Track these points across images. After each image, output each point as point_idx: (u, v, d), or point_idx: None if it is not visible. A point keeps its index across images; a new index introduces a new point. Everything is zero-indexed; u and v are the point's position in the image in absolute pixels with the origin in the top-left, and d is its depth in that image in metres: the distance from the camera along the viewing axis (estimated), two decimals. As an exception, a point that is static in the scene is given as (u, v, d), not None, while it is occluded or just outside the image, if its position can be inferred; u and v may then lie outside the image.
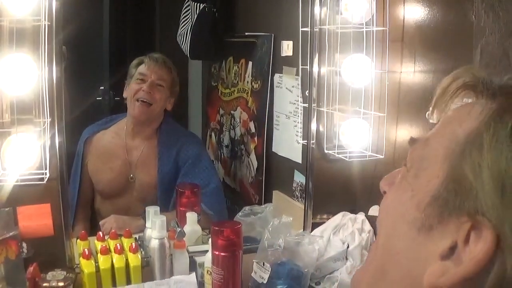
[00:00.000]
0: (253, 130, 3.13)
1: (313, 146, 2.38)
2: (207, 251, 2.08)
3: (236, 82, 3.34)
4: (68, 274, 1.94)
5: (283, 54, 2.76)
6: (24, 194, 1.94)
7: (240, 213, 2.49)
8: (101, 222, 2.61)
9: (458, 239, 0.66)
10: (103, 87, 3.56)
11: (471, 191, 0.65)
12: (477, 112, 0.70)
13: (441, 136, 0.74)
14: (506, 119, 0.66)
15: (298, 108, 2.62)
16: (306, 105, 2.38)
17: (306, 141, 2.40)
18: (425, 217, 0.70)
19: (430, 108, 0.80)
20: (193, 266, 2.13)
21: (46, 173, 1.91)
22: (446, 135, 0.72)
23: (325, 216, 2.41)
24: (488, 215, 0.63)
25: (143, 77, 2.79)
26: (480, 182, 0.64)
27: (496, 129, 0.66)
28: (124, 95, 2.83)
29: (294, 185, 2.69)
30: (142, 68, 2.81)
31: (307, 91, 2.37)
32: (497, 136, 0.65)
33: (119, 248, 2.05)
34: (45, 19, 1.83)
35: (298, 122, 2.63)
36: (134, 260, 2.04)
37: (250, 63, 3.18)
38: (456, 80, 0.77)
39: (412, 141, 0.79)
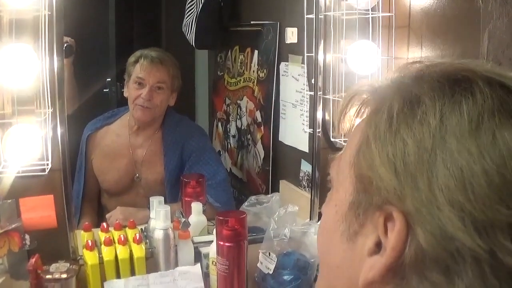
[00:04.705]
0: (259, 119, 3.10)
1: (319, 134, 2.35)
2: (212, 241, 2.06)
3: (242, 71, 3.32)
4: (71, 266, 1.92)
5: (288, 41, 2.72)
6: (26, 186, 1.93)
7: (246, 203, 2.47)
8: (107, 215, 2.59)
9: (379, 234, 0.70)
10: (109, 79, 3.54)
11: (372, 185, 0.70)
12: (363, 120, 0.77)
13: (347, 149, 0.79)
14: (381, 110, 0.72)
15: (304, 97, 2.59)
16: (312, 93, 2.35)
17: (312, 129, 2.37)
18: (348, 224, 0.75)
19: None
20: (198, 256, 2.11)
21: (48, 164, 1.89)
22: (349, 147, 0.78)
23: (332, 205, 2.38)
24: (392, 200, 0.68)
25: (140, 81, 2.69)
26: (376, 173, 0.69)
27: (375, 122, 0.72)
28: (125, 94, 2.77)
29: (301, 174, 2.67)
30: (138, 71, 2.70)
31: (313, 79, 2.34)
32: (378, 128, 0.71)
33: (123, 239, 2.03)
34: (45, 9, 1.81)
35: (304, 111, 2.60)
36: (138, 251, 2.02)
37: (256, 52, 3.16)
38: (349, 95, 0.84)
39: (330, 161, 0.85)
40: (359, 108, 0.80)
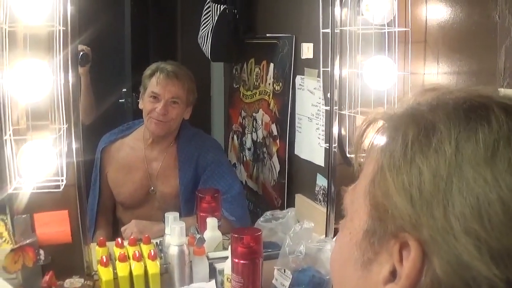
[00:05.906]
0: (275, 132, 3.09)
1: (335, 150, 2.33)
2: (227, 257, 2.05)
3: (257, 84, 3.31)
4: (86, 282, 1.93)
5: (303, 56, 2.72)
6: (41, 201, 1.92)
7: (261, 218, 2.46)
8: (122, 229, 2.58)
9: (395, 262, 0.69)
10: (125, 89, 3.55)
11: (387, 213, 0.69)
12: (378, 148, 0.75)
13: (362, 178, 0.78)
14: (396, 138, 0.72)
15: (320, 111, 2.58)
16: (328, 107, 2.34)
17: (328, 144, 2.35)
18: (362, 252, 0.75)
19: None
20: (213, 273, 2.10)
21: (62, 180, 1.88)
22: (364, 176, 0.77)
23: (347, 221, 2.36)
24: (407, 228, 0.67)
25: (156, 95, 2.68)
26: (391, 201, 0.69)
27: (390, 151, 0.71)
28: (140, 106, 2.76)
29: (317, 188, 2.65)
30: (154, 85, 2.68)
31: (329, 93, 2.33)
32: (393, 157, 0.70)
33: (137, 255, 2.02)
34: (59, 24, 1.80)
35: (320, 125, 2.59)
36: (153, 267, 2.01)
37: (272, 65, 3.15)
38: (365, 123, 0.84)
39: (344, 190, 0.84)
40: (375, 136, 0.79)
